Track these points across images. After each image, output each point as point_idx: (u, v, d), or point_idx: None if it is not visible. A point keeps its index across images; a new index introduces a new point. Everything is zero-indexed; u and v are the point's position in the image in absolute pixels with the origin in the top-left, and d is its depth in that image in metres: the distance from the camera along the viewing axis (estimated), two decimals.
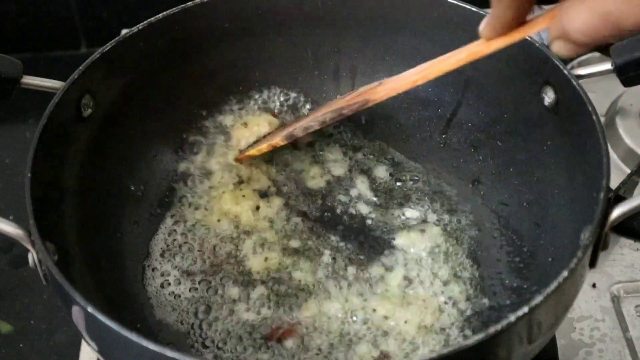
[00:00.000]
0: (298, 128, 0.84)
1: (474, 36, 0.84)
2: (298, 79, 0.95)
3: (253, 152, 0.88)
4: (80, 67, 0.78)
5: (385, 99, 0.80)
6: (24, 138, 1.10)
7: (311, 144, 0.94)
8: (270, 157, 0.92)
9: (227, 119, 0.93)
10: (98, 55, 0.80)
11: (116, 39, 0.82)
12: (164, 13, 0.85)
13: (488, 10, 0.83)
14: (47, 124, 0.73)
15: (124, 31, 0.87)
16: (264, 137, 0.90)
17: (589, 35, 0.50)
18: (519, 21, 0.58)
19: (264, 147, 0.87)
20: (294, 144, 0.92)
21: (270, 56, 0.93)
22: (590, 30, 0.49)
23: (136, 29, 0.83)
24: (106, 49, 0.81)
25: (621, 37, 0.49)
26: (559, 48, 0.53)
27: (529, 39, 0.80)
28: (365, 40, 0.92)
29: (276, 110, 0.95)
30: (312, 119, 0.84)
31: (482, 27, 0.60)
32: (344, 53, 0.94)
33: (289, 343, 0.76)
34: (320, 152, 0.93)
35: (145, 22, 0.84)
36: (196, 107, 0.92)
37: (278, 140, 0.86)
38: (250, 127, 0.92)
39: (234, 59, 0.92)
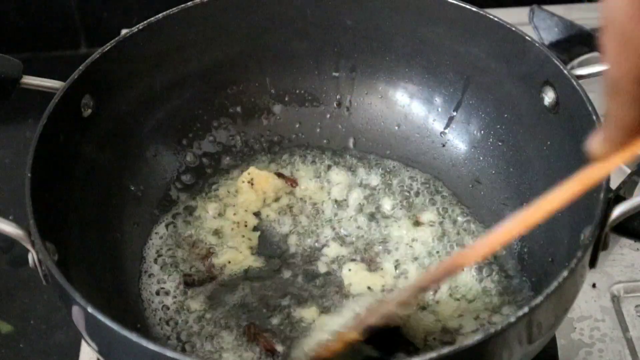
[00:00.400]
0: (372, 317, 0.69)
1: (473, 36, 0.85)
2: (298, 79, 0.95)
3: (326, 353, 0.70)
4: (80, 67, 0.78)
5: (482, 258, 0.71)
6: (24, 138, 1.10)
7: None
8: None
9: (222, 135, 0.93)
10: (98, 55, 0.80)
11: (116, 39, 0.82)
12: (164, 13, 0.85)
13: (489, 10, 0.83)
14: (47, 124, 0.73)
15: (124, 31, 0.87)
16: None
17: None
18: None
19: (338, 345, 0.69)
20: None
21: (270, 56, 0.93)
22: None
23: (136, 29, 0.83)
24: (106, 49, 0.81)
25: None
26: None
27: (529, 38, 0.80)
28: (365, 40, 0.92)
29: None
30: (392, 304, 0.68)
31: (596, 143, 0.47)
32: (344, 53, 0.94)
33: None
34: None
35: (145, 22, 0.84)
36: (196, 108, 0.92)
37: (355, 334, 0.68)
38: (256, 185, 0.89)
39: (234, 59, 0.92)
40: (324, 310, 0.78)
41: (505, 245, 0.62)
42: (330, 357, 0.69)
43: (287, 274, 0.82)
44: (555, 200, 0.55)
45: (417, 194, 0.89)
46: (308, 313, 0.78)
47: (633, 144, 0.45)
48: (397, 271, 0.82)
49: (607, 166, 0.48)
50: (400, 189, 0.89)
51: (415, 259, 0.83)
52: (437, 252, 0.83)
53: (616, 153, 0.46)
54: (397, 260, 0.82)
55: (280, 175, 0.90)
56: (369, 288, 0.80)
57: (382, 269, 0.82)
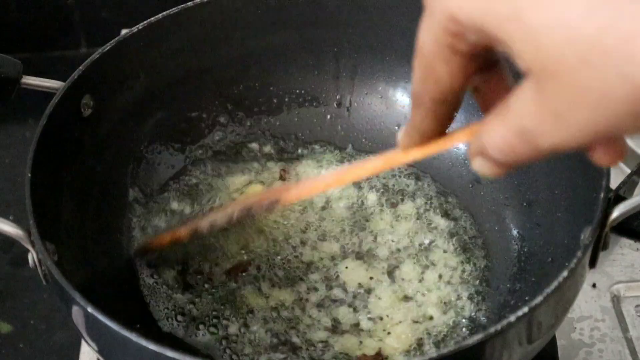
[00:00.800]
0: (204, 224, 0.76)
1: None
2: (298, 79, 0.95)
3: (156, 242, 0.81)
4: (80, 67, 0.78)
5: (297, 200, 0.77)
6: (24, 138, 1.10)
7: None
8: None
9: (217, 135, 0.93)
10: (98, 55, 0.80)
11: (116, 39, 0.82)
12: (164, 13, 0.85)
13: None
14: (47, 124, 0.73)
15: (124, 31, 0.87)
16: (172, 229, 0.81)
17: (506, 154, 0.45)
18: (439, 132, 0.53)
19: (166, 237, 0.79)
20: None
21: (270, 56, 0.93)
22: (507, 148, 0.44)
23: (136, 29, 0.83)
24: (106, 49, 0.81)
25: (540, 157, 0.44)
26: (479, 166, 0.48)
27: None
28: (365, 40, 0.92)
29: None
30: (220, 215, 0.76)
31: (400, 136, 0.55)
32: (344, 53, 0.94)
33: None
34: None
35: (145, 22, 0.84)
36: (196, 108, 0.92)
37: (183, 233, 0.77)
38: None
39: (234, 59, 0.92)
40: None
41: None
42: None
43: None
44: (363, 170, 0.63)
45: (416, 193, 0.89)
46: None
47: (428, 146, 0.54)
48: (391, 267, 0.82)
49: (406, 157, 0.55)
50: (401, 189, 0.89)
51: (409, 255, 0.83)
52: (436, 252, 0.83)
53: (414, 149, 0.55)
54: (390, 257, 0.83)
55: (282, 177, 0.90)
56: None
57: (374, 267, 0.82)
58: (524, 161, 0.45)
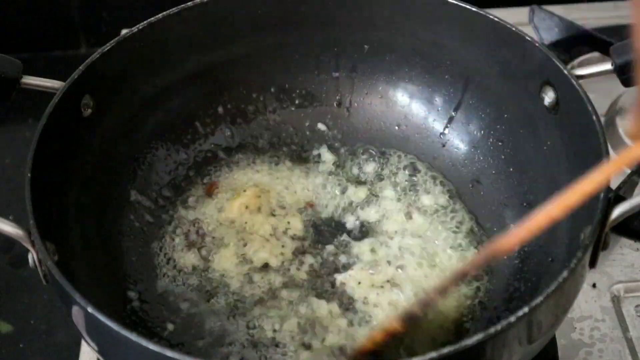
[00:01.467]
0: (418, 308, 0.71)
1: (473, 36, 0.85)
2: (298, 79, 0.95)
3: (367, 345, 0.72)
4: (80, 67, 0.78)
5: (518, 245, 0.70)
6: (24, 138, 1.10)
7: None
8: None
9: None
10: (98, 55, 0.80)
11: (116, 39, 0.82)
12: (164, 13, 0.85)
13: (489, 10, 0.83)
14: (47, 124, 0.73)
15: (124, 31, 0.87)
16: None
17: None
18: None
19: (377, 336, 0.71)
20: None
21: (270, 56, 0.93)
22: None
23: (136, 29, 0.83)
24: (106, 49, 0.81)
25: None
26: None
27: (529, 38, 0.80)
28: (365, 40, 0.92)
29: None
30: (433, 293, 0.70)
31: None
32: (344, 53, 0.94)
33: None
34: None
35: (145, 22, 0.84)
36: (196, 108, 0.92)
37: (397, 325, 0.70)
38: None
39: (234, 59, 0.92)
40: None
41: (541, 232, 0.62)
42: (372, 350, 0.71)
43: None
44: (591, 183, 0.58)
45: (416, 194, 0.89)
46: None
47: None
48: (395, 268, 0.82)
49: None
50: (399, 189, 0.90)
51: (412, 254, 0.83)
52: (436, 252, 0.83)
53: None
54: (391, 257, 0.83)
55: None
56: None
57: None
58: None
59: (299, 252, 0.84)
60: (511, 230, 0.65)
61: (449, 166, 0.91)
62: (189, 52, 0.89)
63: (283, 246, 0.84)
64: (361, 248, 0.84)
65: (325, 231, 0.86)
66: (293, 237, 0.85)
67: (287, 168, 0.92)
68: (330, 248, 0.84)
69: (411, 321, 0.69)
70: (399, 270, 0.81)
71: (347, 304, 0.79)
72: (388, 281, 0.80)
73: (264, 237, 0.84)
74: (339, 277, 0.81)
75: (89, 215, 0.80)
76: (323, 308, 0.78)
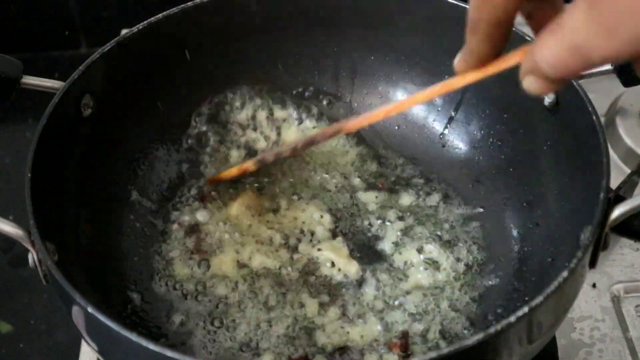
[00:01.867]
0: (269, 155, 0.84)
1: None
2: (298, 79, 0.95)
3: (224, 174, 0.88)
4: (80, 67, 0.78)
5: (358, 128, 0.82)
6: (24, 138, 1.10)
7: None
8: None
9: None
10: (98, 55, 0.80)
11: (116, 39, 0.82)
12: (164, 13, 0.85)
13: None
14: (47, 124, 0.73)
15: (124, 31, 0.87)
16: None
17: (558, 69, 0.49)
18: (493, 55, 0.58)
19: (234, 170, 0.87)
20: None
21: (270, 56, 0.93)
22: (559, 64, 0.48)
23: (136, 29, 0.83)
24: (106, 49, 0.81)
25: (590, 68, 0.48)
26: (529, 84, 0.52)
27: (528, 39, 0.80)
28: (365, 40, 0.92)
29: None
30: (284, 147, 0.84)
31: (457, 61, 0.60)
32: (344, 53, 0.94)
33: None
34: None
35: (145, 22, 0.84)
36: (196, 107, 0.92)
37: (249, 164, 0.86)
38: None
39: (234, 59, 0.92)
40: None
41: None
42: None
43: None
44: (423, 96, 0.68)
45: (415, 193, 0.89)
46: None
47: (483, 69, 0.58)
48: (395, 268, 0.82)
49: (463, 80, 0.60)
50: (399, 189, 0.90)
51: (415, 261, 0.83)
52: (437, 252, 0.83)
53: (471, 72, 0.59)
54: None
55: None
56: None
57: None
58: (574, 75, 0.49)
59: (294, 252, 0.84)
60: (354, 118, 0.75)
61: (449, 166, 0.91)
62: (189, 52, 0.89)
63: (279, 249, 0.84)
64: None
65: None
66: (292, 237, 0.85)
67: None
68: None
69: (262, 165, 0.85)
70: (401, 272, 0.82)
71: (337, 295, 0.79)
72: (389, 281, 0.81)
73: (264, 238, 0.85)
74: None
75: (89, 215, 0.80)
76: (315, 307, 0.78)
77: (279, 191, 0.89)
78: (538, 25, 0.57)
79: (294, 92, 0.95)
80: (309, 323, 0.77)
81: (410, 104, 0.75)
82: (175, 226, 0.86)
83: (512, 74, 0.84)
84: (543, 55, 0.49)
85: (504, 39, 0.56)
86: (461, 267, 0.82)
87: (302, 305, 0.79)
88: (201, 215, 0.87)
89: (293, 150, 0.81)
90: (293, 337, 0.76)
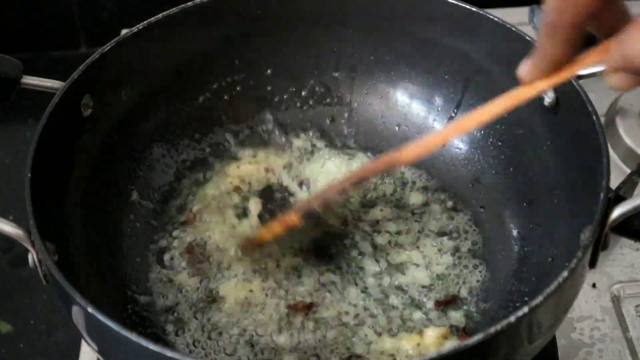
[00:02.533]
0: (316, 202, 0.76)
1: (473, 36, 0.85)
2: (298, 79, 0.95)
3: (264, 236, 0.79)
4: (80, 67, 0.78)
5: (417, 158, 0.71)
6: (24, 138, 1.10)
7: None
8: None
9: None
10: (98, 55, 0.80)
11: (116, 39, 0.82)
12: (164, 13, 0.85)
13: (489, 10, 0.83)
14: (47, 124, 0.73)
15: (124, 31, 0.87)
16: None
17: None
18: (568, 59, 0.56)
19: (276, 228, 0.78)
20: None
21: (270, 56, 0.93)
22: None
23: (136, 29, 0.83)
24: (106, 49, 0.81)
25: None
26: (616, 82, 0.52)
27: (529, 38, 0.80)
28: (365, 40, 0.92)
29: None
30: (330, 191, 0.76)
31: (524, 69, 0.58)
32: (344, 53, 0.94)
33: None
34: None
35: (145, 22, 0.84)
36: (196, 107, 0.92)
37: (293, 219, 0.76)
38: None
39: (233, 59, 0.92)
40: None
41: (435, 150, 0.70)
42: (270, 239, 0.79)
43: None
44: (486, 113, 0.63)
45: (415, 193, 0.89)
46: None
47: (556, 75, 0.56)
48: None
49: (533, 89, 0.58)
50: (399, 189, 0.90)
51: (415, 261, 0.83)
52: (437, 252, 0.83)
53: (541, 80, 0.57)
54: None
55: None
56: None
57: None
58: None
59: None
60: (413, 143, 0.69)
61: (449, 166, 0.91)
62: (189, 51, 0.89)
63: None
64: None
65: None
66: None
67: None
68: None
69: (309, 216, 0.76)
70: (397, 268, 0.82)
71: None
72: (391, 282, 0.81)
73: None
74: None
75: (89, 215, 0.80)
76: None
77: None
78: (603, 25, 0.56)
79: (294, 90, 0.95)
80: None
81: (472, 124, 0.66)
82: (176, 225, 0.86)
83: (512, 74, 0.84)
84: (635, 49, 0.49)
85: (582, 41, 0.54)
86: (461, 267, 0.82)
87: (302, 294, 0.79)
88: (202, 213, 0.87)
89: (342, 193, 0.75)
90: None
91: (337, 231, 0.84)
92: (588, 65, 0.55)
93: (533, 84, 0.58)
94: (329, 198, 0.75)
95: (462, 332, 0.76)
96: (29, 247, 0.66)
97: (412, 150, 0.69)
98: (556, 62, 0.56)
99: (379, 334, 0.76)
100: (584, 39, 0.54)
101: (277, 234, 0.78)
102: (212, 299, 0.80)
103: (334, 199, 0.75)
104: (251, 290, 0.80)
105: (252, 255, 0.80)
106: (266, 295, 0.80)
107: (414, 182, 0.90)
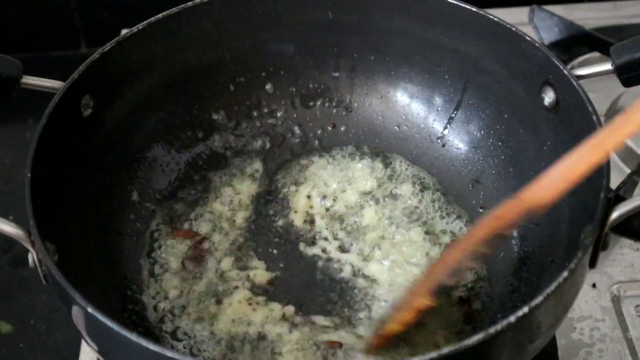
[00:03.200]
0: (443, 275, 0.66)
1: (473, 36, 0.85)
2: (298, 79, 0.95)
3: (393, 328, 0.68)
4: (80, 67, 0.78)
5: (554, 198, 0.63)
6: (24, 138, 1.10)
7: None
8: None
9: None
10: (98, 55, 0.80)
11: (116, 39, 0.82)
12: (164, 13, 0.85)
13: (489, 10, 0.83)
14: (47, 124, 0.73)
15: (124, 31, 0.87)
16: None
17: None
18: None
19: (406, 316, 0.67)
20: None
21: (270, 56, 0.93)
22: None
23: (136, 29, 0.83)
24: (106, 49, 0.81)
25: None
26: None
27: (529, 39, 0.80)
28: (365, 40, 0.92)
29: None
30: (454, 260, 0.66)
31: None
32: (344, 53, 0.94)
33: None
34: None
35: (145, 22, 0.84)
36: (196, 107, 0.92)
37: (425, 301, 0.66)
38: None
39: (234, 59, 0.92)
40: None
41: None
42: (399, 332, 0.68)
43: None
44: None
45: (416, 192, 0.89)
46: None
47: None
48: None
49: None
50: (400, 189, 0.90)
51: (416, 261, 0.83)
52: (437, 253, 0.83)
53: None
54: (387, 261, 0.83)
55: None
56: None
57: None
58: None
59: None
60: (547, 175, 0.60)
61: (449, 166, 0.91)
62: (189, 51, 0.89)
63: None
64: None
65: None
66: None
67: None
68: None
69: (441, 291, 0.65)
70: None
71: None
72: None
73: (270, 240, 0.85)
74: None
75: (89, 215, 0.80)
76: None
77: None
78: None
79: (293, 90, 0.95)
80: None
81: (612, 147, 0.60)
82: (176, 226, 0.86)
83: (513, 74, 0.84)
84: None
85: None
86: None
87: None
88: (201, 216, 0.87)
89: (461, 269, 0.66)
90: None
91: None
92: None
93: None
94: (451, 265, 0.66)
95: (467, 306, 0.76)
96: (29, 247, 0.66)
97: (546, 186, 0.61)
98: None
99: None
100: None
101: (409, 322, 0.67)
102: (213, 299, 0.80)
103: (459, 266, 0.66)
104: (252, 293, 0.80)
105: (383, 354, 0.70)
106: (268, 299, 0.80)
107: (413, 182, 0.90)
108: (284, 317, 0.78)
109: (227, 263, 0.83)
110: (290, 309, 0.78)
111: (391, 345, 0.69)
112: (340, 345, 0.72)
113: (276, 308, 0.78)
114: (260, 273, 0.82)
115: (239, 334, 0.76)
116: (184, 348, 0.76)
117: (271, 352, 0.75)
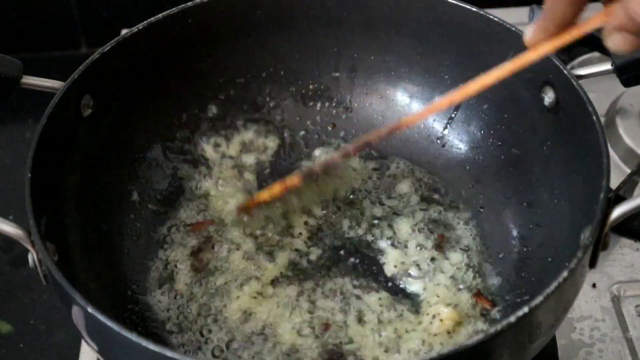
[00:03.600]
0: (317, 167, 0.78)
1: (473, 36, 0.85)
2: (298, 79, 0.95)
3: (263, 196, 0.81)
4: (80, 67, 0.78)
5: (419, 119, 0.78)
6: (24, 138, 1.10)
7: None
8: None
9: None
10: (98, 55, 0.80)
11: (116, 39, 0.82)
12: (164, 13, 0.85)
13: (488, 10, 0.83)
14: (47, 124, 0.73)
15: (124, 31, 0.87)
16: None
17: None
18: (572, 20, 0.58)
19: (276, 188, 0.79)
20: None
21: (270, 56, 0.93)
22: None
23: (136, 29, 0.83)
24: (106, 49, 0.81)
25: None
26: (617, 42, 0.54)
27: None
28: (365, 40, 0.92)
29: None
30: (335, 156, 0.79)
31: (530, 33, 0.59)
32: (344, 53, 0.94)
33: None
34: None
35: (145, 22, 0.84)
36: (195, 108, 0.92)
37: (294, 180, 0.78)
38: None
39: (234, 59, 0.92)
40: None
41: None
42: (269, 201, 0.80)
43: None
44: (491, 77, 0.66)
45: (416, 193, 0.89)
46: None
47: (560, 37, 0.58)
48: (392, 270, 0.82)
49: (537, 52, 0.60)
50: (400, 189, 0.90)
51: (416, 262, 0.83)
52: (437, 253, 0.83)
53: (547, 42, 0.59)
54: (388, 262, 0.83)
55: None
56: None
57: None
58: None
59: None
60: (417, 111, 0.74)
61: (449, 166, 0.91)
62: (189, 51, 0.89)
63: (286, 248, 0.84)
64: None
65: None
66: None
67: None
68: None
69: (309, 178, 0.78)
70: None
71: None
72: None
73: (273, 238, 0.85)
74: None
75: (89, 215, 0.80)
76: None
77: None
78: None
79: (293, 90, 0.95)
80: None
81: (478, 87, 0.69)
82: (176, 226, 0.86)
83: (512, 74, 0.84)
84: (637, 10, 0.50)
85: (585, 2, 0.56)
86: (461, 267, 0.82)
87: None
88: (201, 215, 0.87)
89: (344, 156, 0.77)
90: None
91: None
92: (591, 28, 0.57)
93: (537, 48, 0.59)
94: (331, 162, 0.78)
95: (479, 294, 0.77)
96: (29, 247, 0.66)
97: (414, 116, 0.74)
98: (562, 23, 0.57)
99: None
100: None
101: (276, 195, 0.79)
102: (213, 299, 0.80)
103: (335, 163, 0.78)
104: (254, 294, 0.80)
105: (249, 218, 0.82)
106: (270, 296, 0.80)
107: (413, 182, 0.90)
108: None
109: (232, 259, 0.83)
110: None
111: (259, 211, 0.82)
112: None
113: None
114: (269, 269, 0.82)
115: (244, 330, 0.77)
116: (185, 347, 0.76)
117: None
